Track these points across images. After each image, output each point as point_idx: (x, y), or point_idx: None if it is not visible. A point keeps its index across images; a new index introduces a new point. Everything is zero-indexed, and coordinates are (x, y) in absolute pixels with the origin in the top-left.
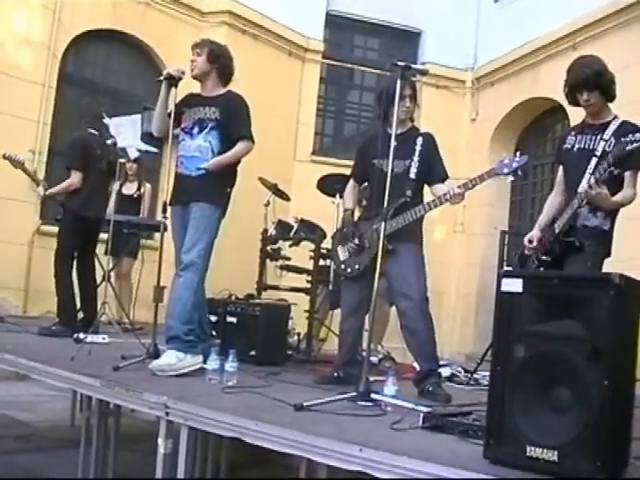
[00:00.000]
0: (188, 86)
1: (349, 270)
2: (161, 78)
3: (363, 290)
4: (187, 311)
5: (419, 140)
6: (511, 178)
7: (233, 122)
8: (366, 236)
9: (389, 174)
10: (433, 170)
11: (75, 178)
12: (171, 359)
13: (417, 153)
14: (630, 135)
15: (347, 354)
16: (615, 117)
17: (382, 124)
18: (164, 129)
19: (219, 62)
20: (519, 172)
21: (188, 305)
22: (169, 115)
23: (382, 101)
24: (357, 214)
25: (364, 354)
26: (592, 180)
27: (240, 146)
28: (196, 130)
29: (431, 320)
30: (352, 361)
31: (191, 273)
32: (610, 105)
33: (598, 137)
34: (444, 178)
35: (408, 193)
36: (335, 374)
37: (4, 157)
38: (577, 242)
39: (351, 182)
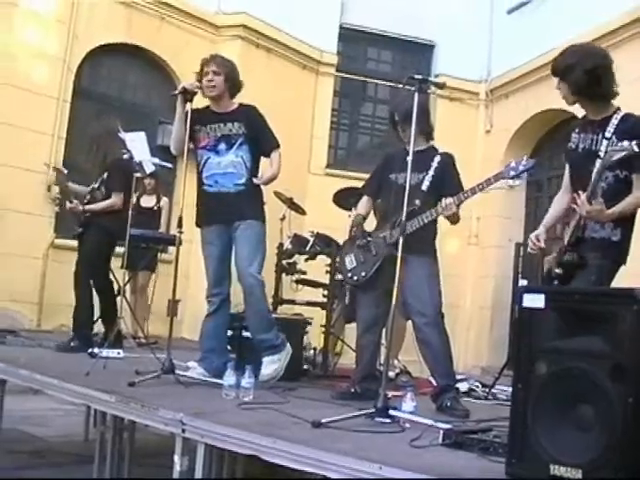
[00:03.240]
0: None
1: (355, 278)
2: (176, 92)
3: (379, 305)
4: (268, 319)
5: (437, 158)
6: (518, 182)
7: (261, 135)
8: (373, 243)
9: (408, 185)
10: (446, 185)
11: (118, 200)
12: (275, 364)
13: (433, 168)
14: (625, 143)
15: (364, 369)
16: (617, 110)
17: (402, 142)
18: (182, 147)
19: (234, 81)
20: (525, 175)
21: (266, 314)
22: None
23: (395, 123)
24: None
25: (381, 369)
26: (582, 197)
27: (276, 156)
28: (223, 146)
29: (447, 335)
30: (369, 376)
31: (258, 289)
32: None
33: (600, 136)
34: (457, 193)
35: (417, 202)
36: (352, 390)
37: (54, 169)
38: (577, 259)
39: (365, 197)
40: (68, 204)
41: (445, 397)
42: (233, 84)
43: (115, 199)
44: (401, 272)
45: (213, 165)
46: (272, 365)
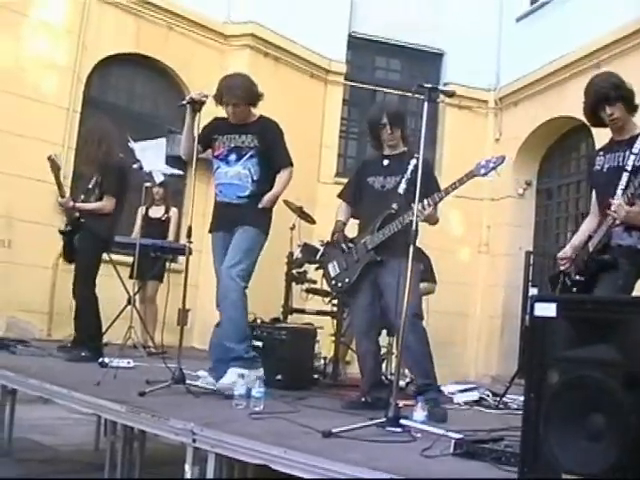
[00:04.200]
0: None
1: (339, 285)
2: (184, 103)
3: (369, 310)
4: (241, 330)
5: (413, 161)
6: (490, 178)
7: (273, 151)
8: (355, 249)
9: (417, 190)
10: (422, 188)
11: (109, 204)
12: (236, 377)
13: (409, 171)
14: None
15: (370, 378)
16: None
17: (378, 149)
18: (192, 153)
19: (253, 99)
20: (496, 171)
21: (240, 323)
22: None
23: (371, 130)
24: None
25: (391, 377)
26: (619, 200)
27: (285, 175)
28: (233, 157)
29: (425, 336)
30: (378, 384)
31: (234, 293)
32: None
33: (627, 152)
34: (432, 194)
35: (394, 206)
36: (363, 399)
37: (49, 158)
38: (611, 259)
39: (343, 204)
40: (60, 199)
41: (425, 396)
42: (253, 101)
43: (106, 202)
44: (378, 272)
45: (221, 175)
46: (234, 377)
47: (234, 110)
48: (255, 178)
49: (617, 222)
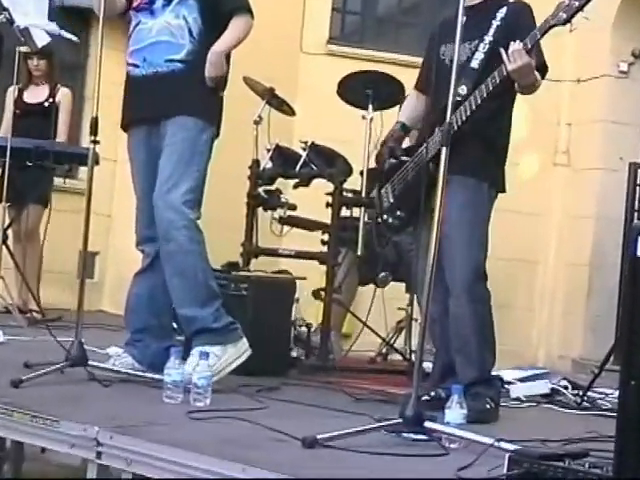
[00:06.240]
0: None
1: (390, 220)
2: None
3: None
4: (202, 285)
5: (501, 12)
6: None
7: None
8: (412, 163)
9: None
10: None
11: None
12: (210, 360)
13: (492, 31)
14: None
15: (440, 358)
16: None
17: None
18: (113, 7)
19: None
20: (583, 12)
21: (199, 276)
22: None
23: None
24: None
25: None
26: None
27: (238, 23)
28: (159, 3)
29: (485, 306)
30: (451, 369)
31: (182, 232)
32: None
33: None
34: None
35: (461, 90)
36: (432, 394)
37: None
38: None
39: (413, 91)
40: None
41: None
42: None
43: None
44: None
45: (143, 34)
46: (195, 359)
47: None
48: (195, 31)
49: None
